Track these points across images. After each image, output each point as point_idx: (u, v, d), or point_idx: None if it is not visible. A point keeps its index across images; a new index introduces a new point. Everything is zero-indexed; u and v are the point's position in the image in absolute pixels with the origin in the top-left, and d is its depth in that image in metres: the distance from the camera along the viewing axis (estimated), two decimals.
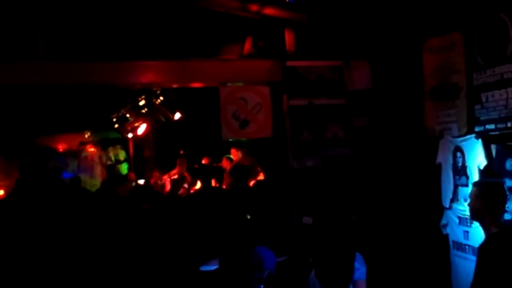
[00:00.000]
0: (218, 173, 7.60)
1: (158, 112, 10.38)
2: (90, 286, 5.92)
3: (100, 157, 12.84)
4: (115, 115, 11.16)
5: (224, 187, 7.32)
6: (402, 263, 6.14)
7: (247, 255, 3.62)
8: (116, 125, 11.41)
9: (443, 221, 5.84)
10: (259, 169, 8.20)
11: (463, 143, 5.54)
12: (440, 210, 5.87)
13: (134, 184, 9.75)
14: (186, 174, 10.08)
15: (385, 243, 6.34)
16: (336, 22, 6.73)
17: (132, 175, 10.54)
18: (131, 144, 12.87)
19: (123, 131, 11.57)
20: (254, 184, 7.55)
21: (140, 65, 6.65)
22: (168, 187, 9.66)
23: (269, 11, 6.68)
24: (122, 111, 10.95)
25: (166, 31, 6.91)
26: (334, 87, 6.98)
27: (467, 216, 5.26)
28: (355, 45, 6.90)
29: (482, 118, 5.29)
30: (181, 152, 10.64)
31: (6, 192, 9.81)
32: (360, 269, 3.95)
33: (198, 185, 9.12)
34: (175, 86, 7.73)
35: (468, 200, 4.03)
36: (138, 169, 12.28)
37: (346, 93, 7.00)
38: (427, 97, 6.11)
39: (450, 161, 5.73)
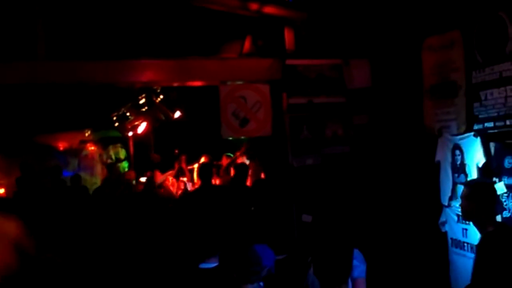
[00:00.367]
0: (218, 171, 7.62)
1: (158, 110, 10.38)
2: (90, 283, 5.94)
3: (100, 156, 12.84)
4: (115, 114, 11.16)
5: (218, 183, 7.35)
6: (401, 261, 6.15)
7: (246, 253, 3.63)
8: (117, 124, 11.42)
9: (442, 219, 5.85)
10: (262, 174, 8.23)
11: (462, 141, 5.55)
12: (438, 208, 5.89)
13: (134, 182, 9.76)
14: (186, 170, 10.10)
15: (384, 240, 6.36)
16: (335, 21, 6.75)
17: (132, 174, 10.54)
18: (131, 143, 12.87)
19: (123, 129, 11.57)
20: (254, 183, 7.57)
21: (140, 64, 6.67)
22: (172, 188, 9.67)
23: (268, 9, 6.70)
24: (123, 109, 10.95)
25: (166, 30, 6.92)
26: (334, 86, 6.99)
27: None
28: (355, 43, 6.91)
29: (481, 116, 5.31)
30: (176, 151, 10.63)
31: (6, 190, 9.83)
32: (359, 267, 3.97)
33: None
34: (175, 84, 7.73)
35: (458, 199, 4.03)
36: (139, 167, 12.28)
37: (346, 91, 7.02)
38: (426, 95, 6.13)
39: (449, 159, 5.74)
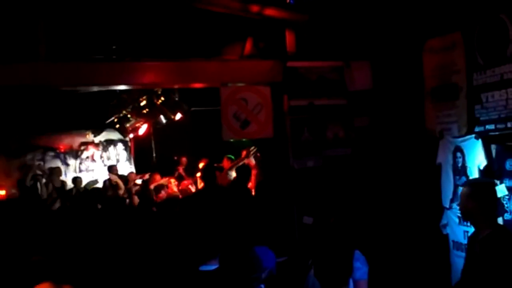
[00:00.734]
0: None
1: (159, 112, 10.38)
2: (91, 285, 5.94)
3: (101, 157, 12.85)
4: (116, 115, 11.16)
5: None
6: (402, 263, 6.14)
7: (247, 255, 3.62)
8: (118, 125, 11.42)
9: (443, 221, 5.85)
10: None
11: (463, 143, 5.54)
12: (440, 210, 5.88)
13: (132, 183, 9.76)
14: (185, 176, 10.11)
15: (386, 243, 6.35)
16: (336, 23, 6.74)
17: (133, 175, 10.55)
18: (132, 144, 12.88)
19: (124, 131, 11.58)
20: (256, 185, 7.56)
21: (141, 66, 6.66)
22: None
23: (270, 12, 6.70)
24: (124, 111, 10.95)
25: (167, 32, 6.93)
26: (335, 88, 6.99)
27: None
28: (356, 45, 6.91)
29: (482, 118, 5.31)
30: (175, 158, 10.64)
31: (6, 191, 9.84)
32: (362, 269, 3.97)
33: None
34: (176, 86, 7.74)
35: (459, 201, 4.01)
36: (139, 169, 12.29)
37: (347, 94, 7.01)
38: (427, 98, 6.12)
39: (450, 161, 5.74)
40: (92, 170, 12.64)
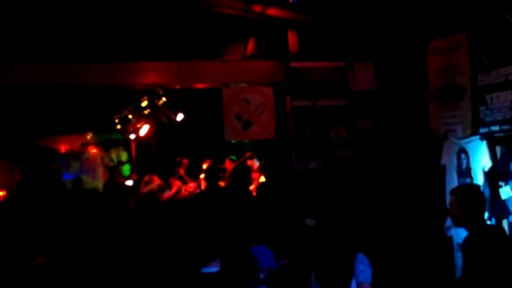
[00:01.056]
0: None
1: (161, 113, 10.36)
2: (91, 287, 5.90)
3: (102, 158, 12.80)
4: (117, 116, 11.15)
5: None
6: (406, 265, 6.11)
7: (244, 258, 3.59)
8: (119, 126, 11.41)
9: (448, 223, 5.79)
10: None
11: (467, 144, 5.51)
12: (444, 212, 5.82)
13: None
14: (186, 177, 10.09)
15: (390, 245, 6.31)
16: (339, 23, 6.71)
17: (134, 176, 10.52)
18: (133, 145, 12.87)
19: (125, 132, 11.57)
20: (257, 186, 7.53)
21: (142, 66, 6.64)
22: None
23: (272, 12, 6.66)
24: (125, 112, 10.94)
25: (169, 32, 6.89)
26: (338, 88, 6.95)
27: None
28: (359, 46, 6.88)
29: (486, 119, 5.27)
30: (177, 159, 10.62)
31: (7, 193, 9.81)
32: (365, 271, 3.94)
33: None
34: (177, 87, 7.71)
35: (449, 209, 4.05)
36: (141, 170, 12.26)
37: (350, 94, 6.98)
38: (432, 99, 6.09)
39: (455, 162, 5.70)
40: (93, 171, 12.60)
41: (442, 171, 5.86)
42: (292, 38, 6.91)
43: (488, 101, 5.24)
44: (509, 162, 5.07)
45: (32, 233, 6.40)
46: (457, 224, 4.10)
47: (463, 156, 5.58)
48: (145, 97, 10.19)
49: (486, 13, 5.25)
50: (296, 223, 6.69)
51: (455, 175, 5.71)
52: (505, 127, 5.06)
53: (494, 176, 5.19)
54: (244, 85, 6.98)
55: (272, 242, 4.87)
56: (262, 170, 8.19)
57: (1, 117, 9.70)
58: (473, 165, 5.44)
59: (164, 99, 10.03)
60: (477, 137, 5.35)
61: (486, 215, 5.10)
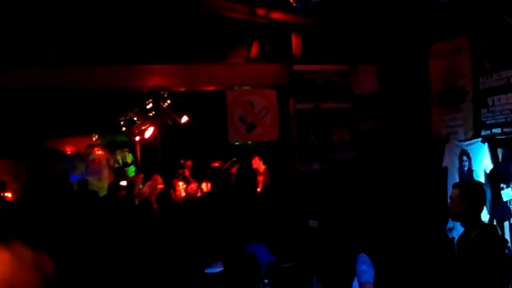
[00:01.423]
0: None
1: (165, 115, 10.40)
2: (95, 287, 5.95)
3: (107, 160, 12.86)
4: (122, 118, 11.19)
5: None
6: (408, 267, 6.13)
7: (245, 259, 3.61)
8: (124, 128, 11.44)
9: (449, 225, 5.83)
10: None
11: (469, 147, 5.54)
12: (446, 213, 5.84)
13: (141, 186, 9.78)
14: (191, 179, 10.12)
15: (392, 246, 6.33)
16: (342, 27, 6.75)
17: (140, 177, 10.55)
18: (138, 147, 12.90)
19: (130, 134, 11.59)
20: (262, 188, 7.55)
21: (147, 69, 6.70)
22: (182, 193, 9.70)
23: (276, 15, 6.71)
24: (130, 114, 10.98)
25: (174, 35, 6.95)
26: (341, 91, 6.99)
27: None
28: (362, 49, 6.91)
29: (488, 122, 5.30)
30: (182, 161, 10.66)
31: (14, 194, 9.87)
32: (368, 272, 3.98)
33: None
34: (182, 89, 7.75)
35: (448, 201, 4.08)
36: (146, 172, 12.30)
37: (353, 97, 7.01)
38: (433, 101, 6.12)
39: (456, 165, 5.73)
40: (99, 172, 12.66)
41: (444, 173, 5.89)
42: (295, 41, 6.95)
43: (490, 104, 5.27)
44: (511, 164, 5.10)
45: (38, 234, 6.45)
46: (454, 218, 4.12)
47: (465, 158, 5.61)
48: (150, 100, 10.22)
49: (488, 16, 5.28)
50: (299, 224, 6.73)
51: (457, 177, 5.73)
52: (506, 129, 5.09)
53: (495, 178, 5.22)
54: (248, 87, 7.03)
55: (275, 244, 4.91)
56: (267, 172, 8.21)
57: (8, 119, 9.77)
58: (475, 167, 5.47)
59: (169, 101, 10.06)
60: (479, 139, 5.39)
61: (488, 217, 5.17)
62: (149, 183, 9.57)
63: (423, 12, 6.01)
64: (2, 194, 9.52)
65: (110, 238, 6.46)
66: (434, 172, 5.99)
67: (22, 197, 8.10)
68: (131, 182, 9.40)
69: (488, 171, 5.28)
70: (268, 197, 6.88)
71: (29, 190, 8.22)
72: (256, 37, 7.27)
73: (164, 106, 10.18)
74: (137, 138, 11.95)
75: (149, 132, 11.26)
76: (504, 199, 5.11)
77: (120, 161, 12.98)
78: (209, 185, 9.62)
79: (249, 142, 8.01)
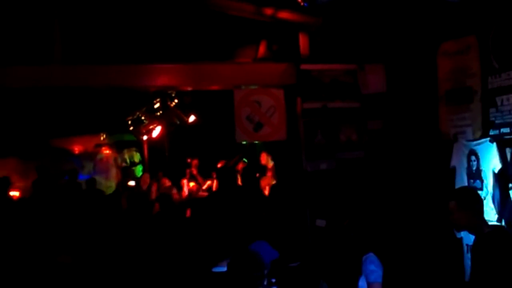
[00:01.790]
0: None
1: (173, 114, 10.42)
2: (104, 286, 5.98)
3: (115, 159, 12.91)
4: (130, 118, 11.23)
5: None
6: (416, 266, 6.12)
7: (250, 259, 3.60)
8: (131, 128, 11.48)
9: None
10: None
11: (477, 146, 5.51)
12: None
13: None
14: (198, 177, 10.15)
15: (400, 246, 6.32)
16: (350, 26, 6.73)
17: (147, 176, 10.58)
18: (145, 146, 12.94)
19: (138, 133, 11.62)
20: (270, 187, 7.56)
21: (155, 68, 6.71)
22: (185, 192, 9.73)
23: (283, 15, 6.70)
24: (137, 113, 11.01)
25: (181, 35, 6.97)
26: (348, 90, 6.98)
27: None
28: (370, 48, 6.90)
29: (497, 121, 5.28)
30: (188, 160, 10.68)
31: (22, 193, 9.92)
32: (376, 272, 3.97)
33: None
34: (190, 89, 7.77)
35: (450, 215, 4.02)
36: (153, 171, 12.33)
37: (360, 97, 7.00)
38: (442, 101, 6.10)
39: (465, 164, 5.71)
40: (106, 172, 12.70)
41: (452, 173, 5.87)
42: (303, 41, 6.94)
43: (498, 103, 5.25)
44: None
45: (46, 232, 6.49)
46: (459, 229, 4.08)
47: (473, 158, 5.59)
48: (158, 99, 10.25)
49: (497, 16, 5.25)
50: (306, 224, 6.73)
51: (465, 177, 5.71)
52: None
53: (504, 178, 5.19)
54: (255, 87, 7.03)
55: (283, 243, 4.91)
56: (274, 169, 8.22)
57: (16, 118, 9.83)
58: (483, 167, 5.45)
59: (176, 101, 10.08)
60: (487, 139, 5.35)
61: (496, 217, 5.15)
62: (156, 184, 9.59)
63: (431, 11, 5.99)
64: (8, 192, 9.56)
65: (117, 236, 6.48)
66: (442, 172, 5.96)
67: (31, 196, 8.15)
68: (137, 183, 9.44)
69: (496, 171, 5.25)
70: (275, 197, 6.89)
71: (38, 189, 8.28)
72: (263, 36, 7.28)
73: (172, 105, 10.20)
74: (145, 138, 11.98)
75: (156, 131, 11.29)
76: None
77: (128, 160, 13.03)
78: (208, 183, 9.71)
79: (256, 142, 8.02)
